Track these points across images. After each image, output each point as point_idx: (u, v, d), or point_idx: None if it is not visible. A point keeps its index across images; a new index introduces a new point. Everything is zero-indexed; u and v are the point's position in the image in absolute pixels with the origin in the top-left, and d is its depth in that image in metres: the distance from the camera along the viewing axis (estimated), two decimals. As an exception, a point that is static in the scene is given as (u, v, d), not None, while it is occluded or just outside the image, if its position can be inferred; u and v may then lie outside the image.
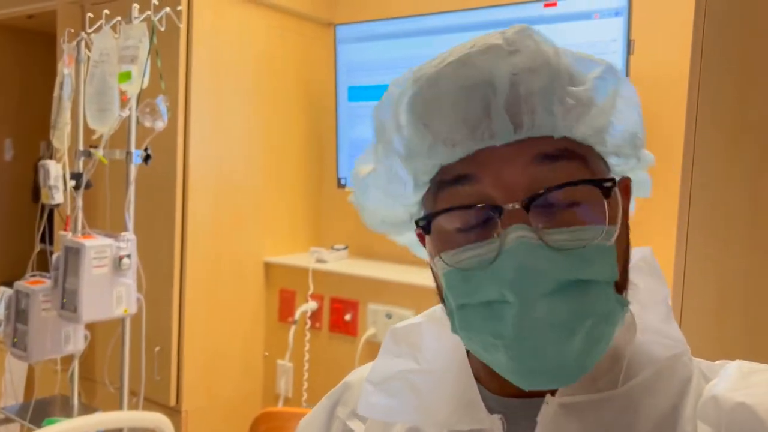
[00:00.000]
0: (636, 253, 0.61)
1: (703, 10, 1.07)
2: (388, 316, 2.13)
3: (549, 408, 0.55)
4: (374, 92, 2.26)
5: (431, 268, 0.60)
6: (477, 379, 0.60)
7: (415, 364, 0.63)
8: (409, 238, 0.66)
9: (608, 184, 0.52)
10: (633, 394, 0.55)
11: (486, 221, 0.52)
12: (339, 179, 2.38)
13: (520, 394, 0.56)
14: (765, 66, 1.02)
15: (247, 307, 2.40)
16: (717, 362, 0.59)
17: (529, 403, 0.56)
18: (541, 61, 0.52)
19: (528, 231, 0.50)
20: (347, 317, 2.23)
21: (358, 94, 2.30)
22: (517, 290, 0.49)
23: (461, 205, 0.53)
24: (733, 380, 0.54)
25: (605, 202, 0.51)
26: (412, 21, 2.16)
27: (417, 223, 0.56)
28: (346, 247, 2.45)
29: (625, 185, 0.59)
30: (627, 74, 1.76)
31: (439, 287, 0.59)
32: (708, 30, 1.07)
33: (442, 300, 0.59)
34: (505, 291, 0.50)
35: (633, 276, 0.58)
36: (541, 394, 0.56)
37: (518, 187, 0.51)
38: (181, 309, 2.19)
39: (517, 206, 0.50)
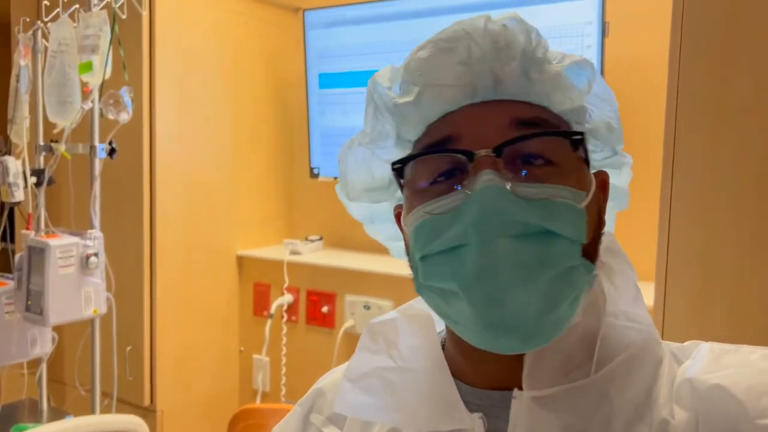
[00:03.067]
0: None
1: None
2: (366, 307, 2.11)
3: (520, 403, 0.54)
4: (346, 79, 2.21)
5: (405, 244, 0.61)
6: (454, 374, 0.59)
7: (391, 361, 0.62)
8: (385, 213, 0.67)
9: (577, 137, 0.54)
10: (607, 382, 0.54)
11: (460, 171, 0.53)
12: (311, 169, 2.33)
13: (499, 386, 0.56)
14: (745, 48, 1.01)
15: (221, 302, 2.34)
16: (686, 343, 0.59)
17: (508, 395, 0.55)
18: (523, 33, 0.55)
19: (497, 176, 0.51)
20: (324, 309, 2.20)
21: (329, 81, 2.25)
22: (478, 229, 0.50)
23: (436, 149, 0.55)
24: (706, 362, 0.55)
25: (574, 156, 0.54)
26: (384, 5, 2.11)
27: (393, 166, 0.57)
28: (321, 238, 2.40)
29: (603, 180, 0.60)
30: (602, 57, 1.74)
31: (409, 255, 0.59)
32: (687, 12, 1.05)
33: (412, 268, 0.59)
34: (468, 231, 0.51)
35: (606, 257, 0.59)
36: (517, 385, 0.55)
37: (493, 143, 0.52)
38: (153, 307, 2.13)
39: (489, 152, 0.52)
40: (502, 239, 0.50)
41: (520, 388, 0.54)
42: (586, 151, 0.57)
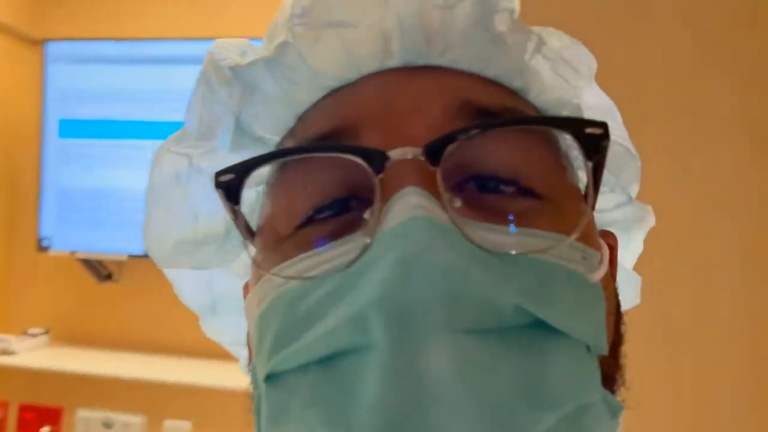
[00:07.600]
0: None
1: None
2: (107, 425, 1.68)
3: None
4: (95, 127, 1.80)
5: (248, 349, 0.38)
6: None
7: None
8: (233, 294, 0.41)
9: (595, 130, 0.29)
10: None
11: (359, 197, 0.30)
12: (40, 240, 1.83)
13: None
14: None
15: None
16: None
17: None
18: None
19: (428, 200, 0.27)
20: (44, 431, 1.69)
21: (73, 128, 1.82)
22: (393, 310, 0.25)
23: (312, 146, 0.31)
24: None
25: (573, 189, 0.33)
26: (147, 45, 1.79)
27: (218, 178, 0.30)
28: (47, 332, 1.90)
29: (610, 246, 0.36)
30: None
31: (251, 370, 0.34)
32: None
33: (253, 398, 0.32)
34: (369, 313, 0.25)
35: None
36: None
37: (421, 138, 0.29)
38: None
39: (417, 153, 0.29)
40: (441, 334, 0.24)
41: None
42: (596, 182, 0.31)
